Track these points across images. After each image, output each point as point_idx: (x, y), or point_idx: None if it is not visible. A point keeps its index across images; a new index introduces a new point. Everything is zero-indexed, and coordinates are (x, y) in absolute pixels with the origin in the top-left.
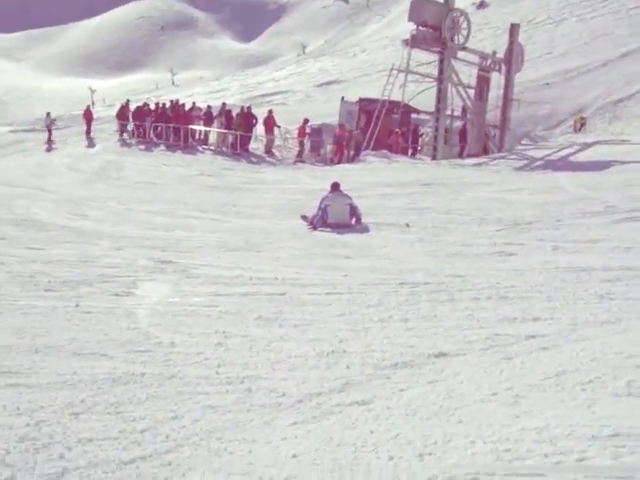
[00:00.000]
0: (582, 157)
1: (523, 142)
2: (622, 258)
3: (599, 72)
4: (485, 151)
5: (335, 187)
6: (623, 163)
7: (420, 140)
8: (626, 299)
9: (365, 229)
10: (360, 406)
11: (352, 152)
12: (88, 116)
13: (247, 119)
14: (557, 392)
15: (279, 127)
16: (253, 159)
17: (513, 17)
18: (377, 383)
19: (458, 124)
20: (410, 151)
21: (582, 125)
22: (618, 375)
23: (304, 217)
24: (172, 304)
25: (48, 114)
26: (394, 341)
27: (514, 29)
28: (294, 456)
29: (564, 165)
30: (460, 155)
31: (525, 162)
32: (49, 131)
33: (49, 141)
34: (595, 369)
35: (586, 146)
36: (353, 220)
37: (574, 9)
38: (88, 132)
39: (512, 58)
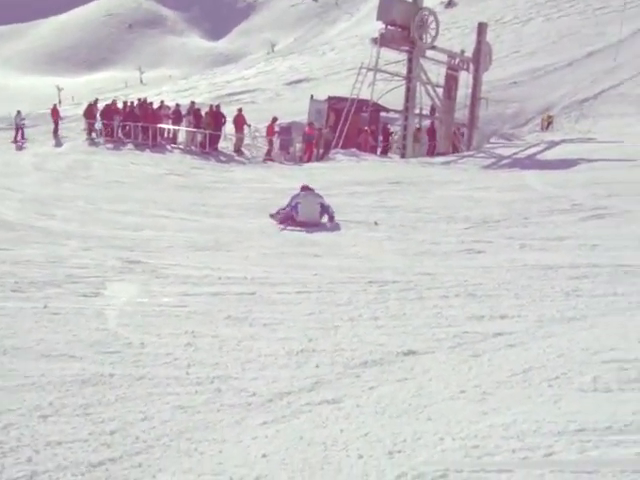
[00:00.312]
0: (549, 155)
1: (491, 140)
2: (588, 255)
3: (565, 71)
4: (454, 149)
5: (306, 187)
6: (589, 161)
7: (390, 138)
8: (592, 296)
9: (334, 227)
10: (330, 405)
11: (321, 150)
12: (55, 115)
13: (216, 118)
14: (524, 388)
15: (249, 126)
16: (222, 158)
17: (481, 16)
18: (347, 382)
19: (427, 123)
20: (379, 149)
21: (549, 124)
22: (584, 371)
23: (273, 216)
24: (141, 304)
25: (18, 112)
26: (363, 339)
27: (482, 28)
28: (264, 456)
29: (531, 163)
30: (429, 153)
31: (493, 160)
32: (20, 129)
33: (21, 139)
34: (561, 365)
35: (553, 144)
36: (324, 218)
37: (541, 9)
38: (55, 131)
39: (480, 57)
